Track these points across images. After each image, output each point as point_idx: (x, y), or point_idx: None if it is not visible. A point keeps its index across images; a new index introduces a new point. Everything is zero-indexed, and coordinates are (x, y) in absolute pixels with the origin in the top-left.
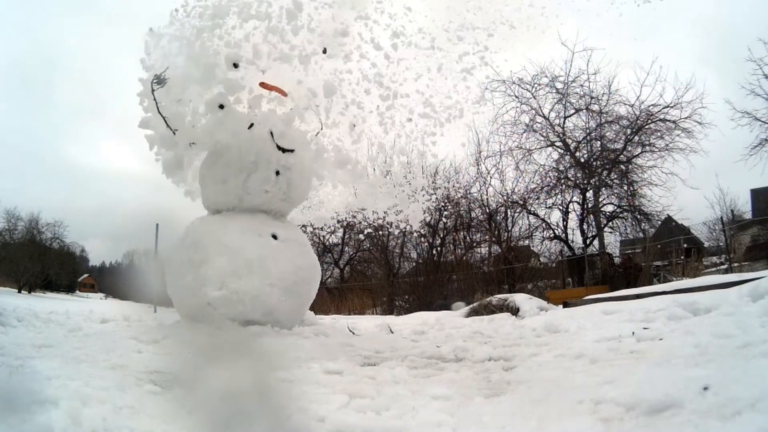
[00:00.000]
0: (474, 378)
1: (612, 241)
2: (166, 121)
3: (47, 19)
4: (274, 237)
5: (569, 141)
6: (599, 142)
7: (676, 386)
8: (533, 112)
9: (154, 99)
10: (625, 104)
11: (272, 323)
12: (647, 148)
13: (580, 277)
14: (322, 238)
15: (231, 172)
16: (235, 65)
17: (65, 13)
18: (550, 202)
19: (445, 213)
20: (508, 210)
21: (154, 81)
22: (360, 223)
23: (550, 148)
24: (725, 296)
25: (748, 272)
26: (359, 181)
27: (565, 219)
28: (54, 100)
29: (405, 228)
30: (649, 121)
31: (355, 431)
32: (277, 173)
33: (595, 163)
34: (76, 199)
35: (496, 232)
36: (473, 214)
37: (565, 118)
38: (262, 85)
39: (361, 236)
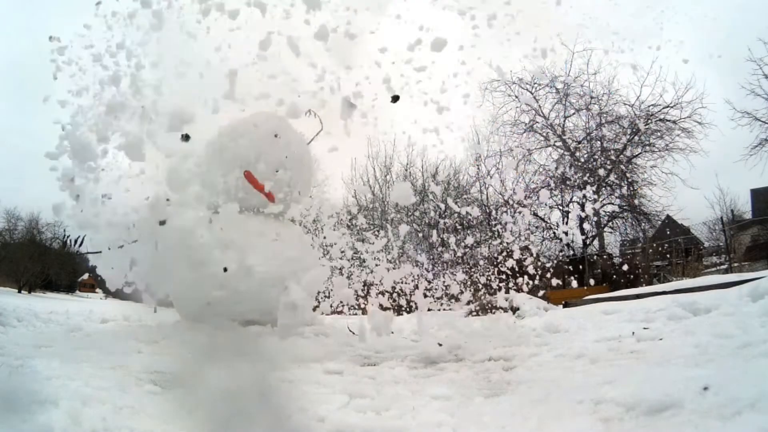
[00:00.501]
0: (474, 378)
1: (612, 241)
2: None
3: (47, 19)
4: (274, 236)
5: (569, 141)
6: (599, 142)
7: (676, 386)
8: (533, 112)
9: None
10: (626, 104)
11: (272, 323)
12: (647, 148)
13: (580, 277)
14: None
15: (231, 172)
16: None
17: (65, 12)
18: (550, 202)
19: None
20: (508, 210)
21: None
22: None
23: (550, 148)
24: (725, 296)
25: (748, 272)
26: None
27: (565, 219)
28: (54, 100)
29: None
30: (649, 121)
31: (355, 431)
32: (277, 173)
33: (595, 163)
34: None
35: (496, 233)
36: (473, 214)
37: (565, 118)
38: (247, 174)
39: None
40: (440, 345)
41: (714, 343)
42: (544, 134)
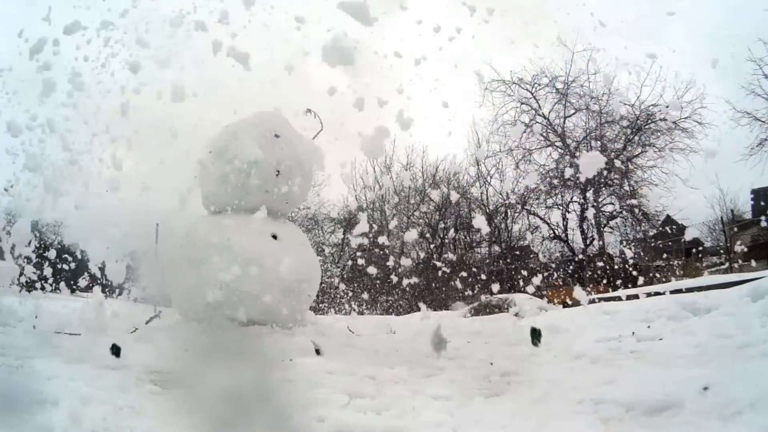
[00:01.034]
0: (474, 378)
1: (612, 241)
2: None
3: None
4: (274, 237)
5: (569, 141)
6: (599, 142)
7: (676, 386)
8: (533, 112)
9: None
10: (626, 104)
11: (272, 323)
12: (647, 148)
13: (580, 277)
14: (322, 238)
15: (231, 172)
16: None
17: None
18: (550, 202)
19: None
20: (508, 210)
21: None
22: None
23: (550, 148)
24: (725, 296)
25: (748, 272)
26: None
27: (565, 219)
28: (54, 99)
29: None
30: (649, 121)
31: (355, 431)
32: (278, 173)
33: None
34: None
35: (496, 232)
36: (473, 214)
37: (565, 118)
38: None
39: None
40: (448, 341)
41: (714, 343)
42: (544, 134)
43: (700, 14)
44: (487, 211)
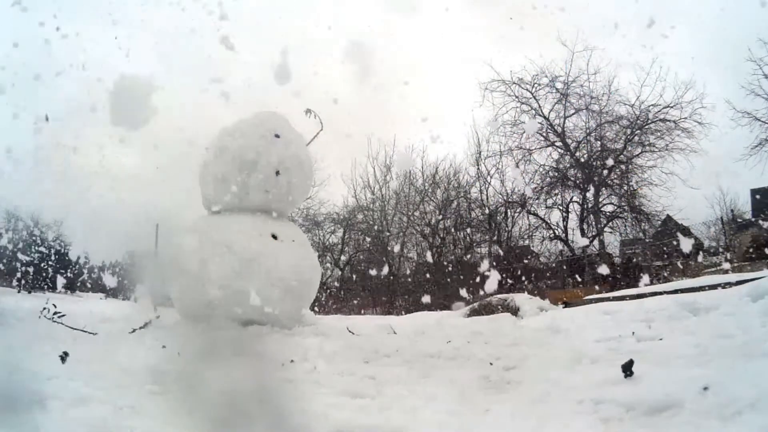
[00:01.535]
0: (474, 378)
1: (612, 241)
2: None
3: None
4: (274, 237)
5: (569, 141)
6: (599, 142)
7: (676, 386)
8: (533, 112)
9: None
10: (625, 104)
11: (272, 323)
12: (647, 148)
13: (580, 277)
14: (322, 238)
15: (231, 172)
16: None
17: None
18: (550, 202)
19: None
20: (508, 210)
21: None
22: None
23: (550, 148)
24: (725, 296)
25: (748, 272)
26: None
27: (565, 219)
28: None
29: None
30: (649, 121)
31: (355, 431)
32: (278, 173)
33: (595, 163)
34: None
35: (496, 232)
36: (473, 214)
37: (565, 118)
38: None
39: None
40: (449, 342)
41: (714, 343)
42: (544, 134)
43: (700, 14)
44: (488, 210)
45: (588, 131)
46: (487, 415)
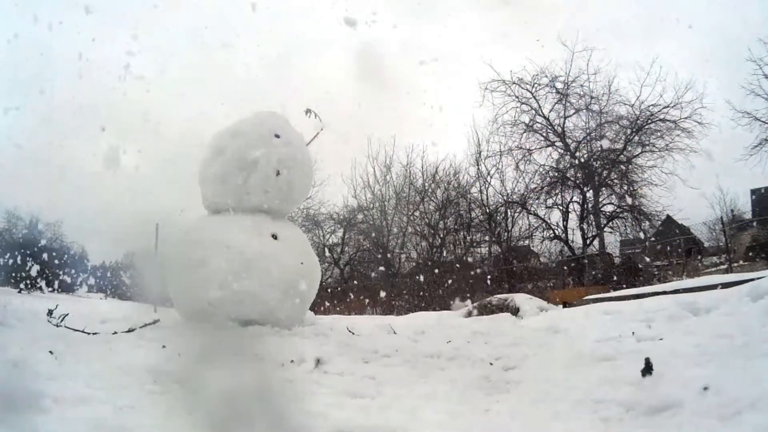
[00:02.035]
0: (474, 378)
1: (612, 241)
2: None
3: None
4: (274, 237)
5: (569, 141)
6: (599, 142)
7: (676, 386)
8: (533, 112)
9: None
10: (625, 104)
11: (272, 323)
12: (647, 148)
13: (580, 277)
14: (322, 238)
15: (231, 172)
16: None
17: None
18: (550, 202)
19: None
20: (508, 210)
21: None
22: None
23: (550, 148)
24: (725, 296)
25: (748, 272)
26: None
27: (565, 219)
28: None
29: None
30: (649, 121)
31: (355, 431)
32: (278, 173)
33: (595, 163)
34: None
35: (496, 232)
36: (473, 214)
37: (565, 118)
38: None
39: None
40: (449, 342)
41: (714, 343)
42: (544, 134)
43: (700, 14)
44: (488, 210)
45: (588, 131)
46: (487, 415)
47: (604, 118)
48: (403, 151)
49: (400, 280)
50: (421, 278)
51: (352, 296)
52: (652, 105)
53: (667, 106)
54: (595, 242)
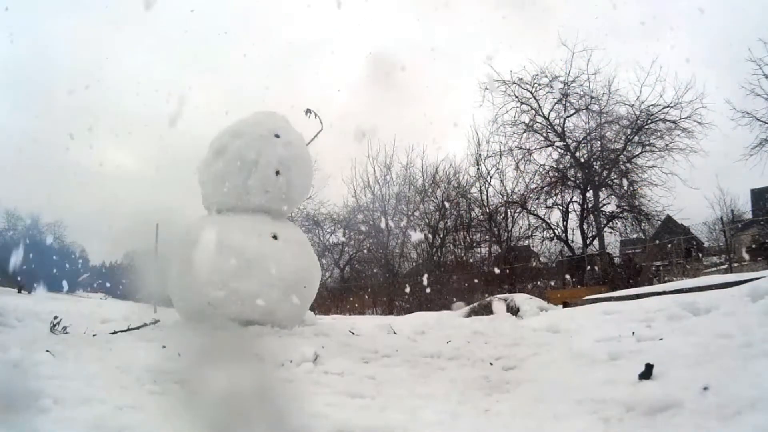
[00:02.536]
0: (474, 378)
1: (612, 241)
2: None
3: (47, 18)
4: (274, 237)
5: (569, 141)
6: (599, 142)
7: (676, 386)
8: (533, 112)
9: None
10: (626, 104)
11: (272, 323)
12: (647, 148)
13: (580, 277)
14: (322, 238)
15: (231, 172)
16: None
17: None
18: (550, 202)
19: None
20: (508, 210)
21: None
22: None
23: (550, 148)
24: (725, 296)
25: (748, 272)
26: None
27: (565, 219)
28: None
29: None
30: (649, 121)
31: (355, 431)
32: (278, 173)
33: (595, 163)
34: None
35: (496, 232)
36: (473, 214)
37: (565, 118)
38: None
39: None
40: (449, 342)
41: (714, 343)
42: (544, 134)
43: (700, 14)
44: (488, 210)
45: (588, 131)
46: (487, 415)
47: (604, 118)
48: (403, 151)
49: (400, 280)
50: (421, 278)
51: (353, 296)
52: (652, 105)
53: (667, 106)
54: (595, 242)
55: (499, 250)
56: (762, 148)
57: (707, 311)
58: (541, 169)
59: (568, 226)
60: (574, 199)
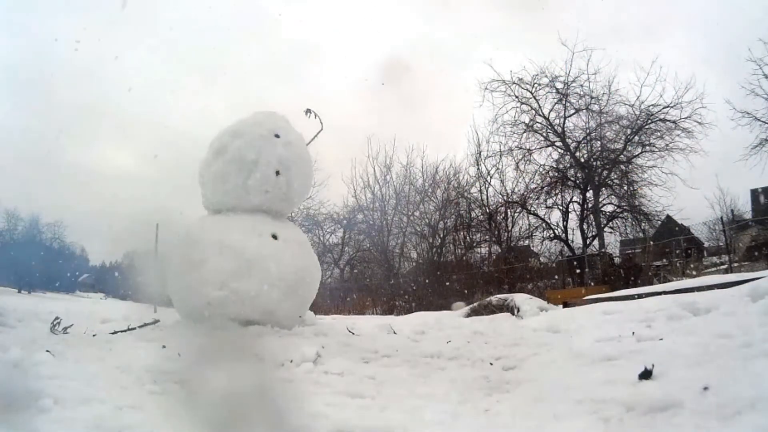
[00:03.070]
0: (474, 378)
1: (612, 241)
2: None
3: (47, 18)
4: (274, 237)
5: (569, 141)
6: (599, 142)
7: (676, 386)
8: (533, 112)
9: None
10: (625, 104)
11: (272, 323)
12: (647, 148)
13: (580, 277)
14: (322, 238)
15: (231, 172)
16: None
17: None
18: (550, 202)
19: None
20: (508, 210)
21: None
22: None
23: (550, 148)
24: (725, 296)
25: (748, 272)
26: None
27: (565, 219)
28: (55, 99)
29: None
30: (649, 121)
31: (355, 431)
32: (278, 173)
33: (595, 163)
34: (76, 199)
35: (496, 232)
36: (473, 214)
37: (565, 118)
38: None
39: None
40: (449, 342)
41: (714, 343)
42: (544, 134)
43: (700, 14)
44: (488, 210)
45: (588, 131)
46: (487, 415)
47: (604, 118)
48: (403, 151)
49: (400, 280)
50: (422, 278)
51: (353, 296)
52: (652, 105)
53: (667, 106)
54: (595, 242)
55: (499, 250)
56: (762, 148)
57: (707, 311)
58: (541, 169)
59: (568, 226)
60: (574, 199)
